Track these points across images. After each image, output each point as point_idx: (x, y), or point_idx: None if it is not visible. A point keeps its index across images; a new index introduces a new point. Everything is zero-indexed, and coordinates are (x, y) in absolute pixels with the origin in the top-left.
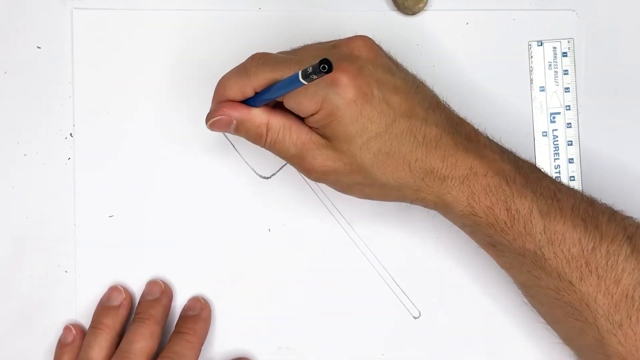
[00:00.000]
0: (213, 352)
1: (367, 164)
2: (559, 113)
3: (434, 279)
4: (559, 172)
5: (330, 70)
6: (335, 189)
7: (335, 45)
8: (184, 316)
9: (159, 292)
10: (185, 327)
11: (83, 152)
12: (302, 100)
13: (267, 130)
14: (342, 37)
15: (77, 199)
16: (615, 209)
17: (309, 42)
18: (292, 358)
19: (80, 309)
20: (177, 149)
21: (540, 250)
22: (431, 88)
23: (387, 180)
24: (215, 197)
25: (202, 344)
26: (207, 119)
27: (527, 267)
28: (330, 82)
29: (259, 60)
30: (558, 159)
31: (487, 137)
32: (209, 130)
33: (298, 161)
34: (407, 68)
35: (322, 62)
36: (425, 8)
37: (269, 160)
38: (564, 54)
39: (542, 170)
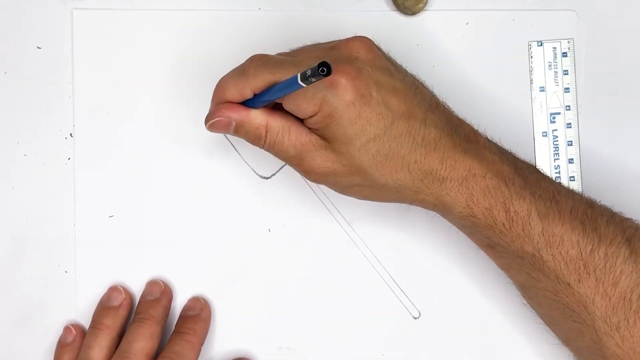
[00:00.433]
0: (213, 352)
1: (366, 165)
2: (559, 113)
3: (433, 279)
4: (559, 173)
5: (329, 73)
6: (334, 190)
7: (334, 46)
8: (184, 316)
9: (159, 292)
10: (185, 327)
11: (83, 152)
12: (301, 102)
13: (266, 132)
14: (342, 38)
15: (77, 199)
16: (614, 210)
17: (309, 43)
18: (292, 358)
19: (80, 309)
20: (177, 149)
21: (538, 252)
22: (431, 88)
23: (386, 182)
24: (215, 197)
25: (202, 344)
26: (206, 120)
27: (525, 269)
28: (329, 84)
29: (258, 62)
30: (558, 159)
31: (487, 138)
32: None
33: (297, 162)
34: (407, 68)
35: (321, 65)
36: (425, 8)
37: (269, 161)
38: (564, 54)
39: (542, 171)
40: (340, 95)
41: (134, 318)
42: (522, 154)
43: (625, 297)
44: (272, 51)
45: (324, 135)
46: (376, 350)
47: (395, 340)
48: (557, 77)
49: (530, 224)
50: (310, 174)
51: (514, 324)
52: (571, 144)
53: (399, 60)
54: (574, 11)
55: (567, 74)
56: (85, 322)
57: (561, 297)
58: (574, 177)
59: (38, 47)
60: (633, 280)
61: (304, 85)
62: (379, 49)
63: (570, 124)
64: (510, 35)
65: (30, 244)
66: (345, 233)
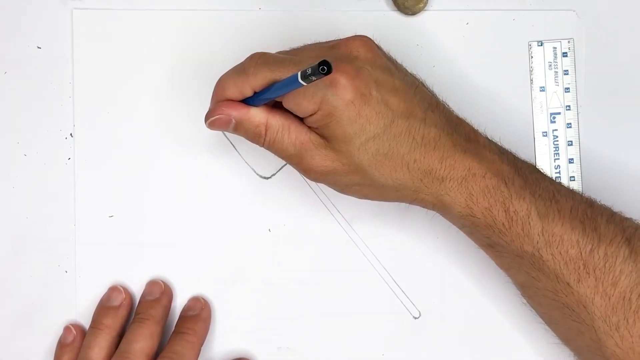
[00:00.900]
0: (213, 352)
1: (366, 164)
2: (559, 113)
3: (433, 279)
4: (559, 172)
5: (329, 71)
6: (334, 189)
7: (334, 45)
8: (184, 316)
9: (159, 292)
10: (185, 327)
11: (83, 152)
12: (301, 101)
13: (266, 130)
14: (342, 37)
15: (77, 199)
16: (614, 209)
17: (309, 42)
18: (292, 358)
19: (80, 309)
20: (177, 149)
21: (538, 251)
22: (431, 88)
23: (385, 181)
24: (215, 197)
25: (202, 344)
26: (206, 118)
27: (525, 268)
28: (329, 83)
29: (258, 60)
30: (558, 159)
31: (487, 137)
32: (209, 130)
33: (297, 161)
34: (407, 68)
35: (321, 63)
36: (425, 8)
37: (269, 160)
38: (564, 54)
39: (542, 171)
40: (340, 94)
41: (134, 318)
42: (522, 154)
43: (624, 297)
44: (272, 51)
45: (324, 134)
46: (376, 350)
47: (395, 340)
48: (557, 77)
49: (529, 223)
50: (310, 172)
51: (514, 324)
52: (571, 144)
53: (399, 60)
54: (574, 11)
55: (567, 74)
56: (85, 322)
57: (561, 297)
58: (574, 177)
59: (38, 47)
60: (633, 280)
61: (304, 83)
62: (379, 48)
63: (570, 124)
64: (510, 35)
65: (30, 244)
66: (345, 233)
